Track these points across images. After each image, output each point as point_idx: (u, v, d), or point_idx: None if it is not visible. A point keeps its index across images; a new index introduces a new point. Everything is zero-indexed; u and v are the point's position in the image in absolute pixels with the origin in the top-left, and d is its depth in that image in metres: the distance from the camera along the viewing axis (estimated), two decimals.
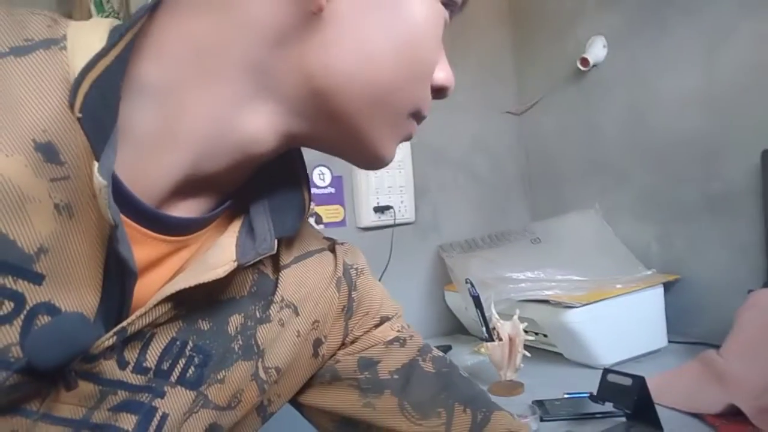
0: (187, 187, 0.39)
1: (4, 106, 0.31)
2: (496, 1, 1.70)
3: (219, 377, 0.42)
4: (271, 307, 0.45)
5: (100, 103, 0.33)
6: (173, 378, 0.40)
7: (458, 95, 1.61)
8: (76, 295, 0.34)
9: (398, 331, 0.55)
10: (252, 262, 0.40)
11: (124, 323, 0.36)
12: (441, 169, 1.58)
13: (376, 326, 0.54)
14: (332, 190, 1.46)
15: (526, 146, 1.70)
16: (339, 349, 0.53)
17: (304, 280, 0.48)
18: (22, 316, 0.32)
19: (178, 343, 0.39)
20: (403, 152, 1.52)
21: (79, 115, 0.32)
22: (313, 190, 1.43)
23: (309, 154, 0.47)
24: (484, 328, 1.09)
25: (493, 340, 1.05)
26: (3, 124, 0.31)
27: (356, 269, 0.54)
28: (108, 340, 0.35)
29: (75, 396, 0.35)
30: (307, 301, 0.48)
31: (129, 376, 0.38)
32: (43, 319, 0.32)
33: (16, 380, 0.32)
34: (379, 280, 1.49)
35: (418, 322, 1.51)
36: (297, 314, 0.47)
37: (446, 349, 1.31)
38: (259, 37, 0.37)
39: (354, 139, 0.40)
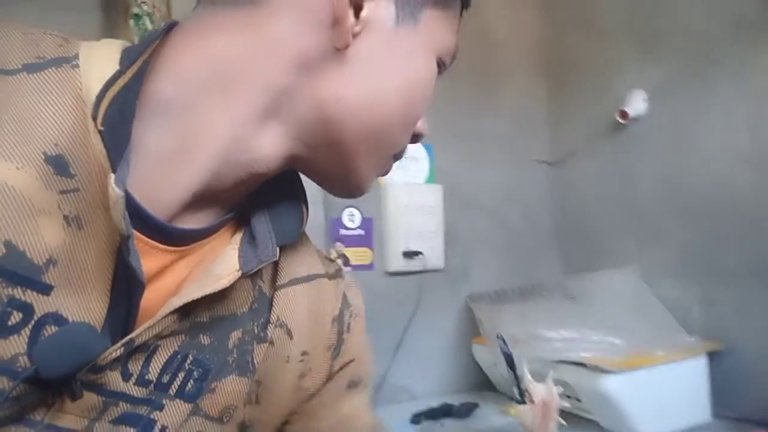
0: (194, 202, 0.40)
1: (17, 120, 0.32)
2: (531, 50, 1.70)
3: (211, 387, 0.42)
4: (269, 327, 0.45)
5: (117, 119, 0.34)
6: (172, 391, 0.40)
7: (490, 143, 1.60)
8: (84, 306, 0.34)
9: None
10: (254, 271, 0.41)
11: (133, 335, 0.36)
12: (472, 216, 1.55)
13: (349, 386, 0.54)
14: (362, 232, 1.43)
15: (559, 197, 1.67)
16: (323, 385, 0.52)
17: (301, 305, 0.48)
18: (29, 327, 0.32)
19: (179, 356, 0.40)
20: (434, 197, 1.50)
21: (101, 128, 0.33)
22: (342, 232, 1.41)
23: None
24: (515, 389, 1.03)
25: (524, 402, 0.99)
26: (15, 137, 0.32)
27: (354, 311, 0.54)
28: (116, 351, 0.35)
29: (79, 407, 0.35)
30: (301, 327, 0.48)
31: (131, 389, 0.38)
32: (51, 330, 0.33)
33: (22, 390, 0.32)
34: (406, 328, 1.52)
35: (443, 376, 1.46)
36: (291, 338, 0.47)
37: (472, 407, 1.25)
38: (285, 62, 0.39)
39: (344, 169, 0.43)
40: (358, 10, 0.39)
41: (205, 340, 0.41)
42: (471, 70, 1.59)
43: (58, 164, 0.33)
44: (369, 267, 1.43)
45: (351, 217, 1.43)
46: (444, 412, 1.24)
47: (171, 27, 0.40)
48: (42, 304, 0.33)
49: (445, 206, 1.50)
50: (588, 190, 1.57)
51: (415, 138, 0.47)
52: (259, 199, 0.46)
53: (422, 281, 1.44)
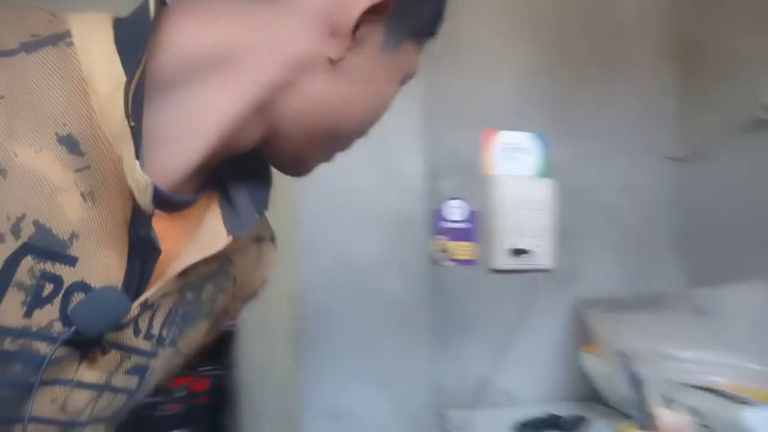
0: (194, 174, 0.43)
1: (25, 103, 0.34)
2: (659, 34, 1.54)
3: (187, 332, 0.49)
4: (229, 279, 0.52)
5: (137, 104, 0.37)
6: (166, 342, 0.46)
7: (610, 135, 1.48)
8: (105, 273, 0.38)
9: None
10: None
11: (147, 295, 0.40)
12: (585, 214, 1.45)
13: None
14: (466, 225, 1.37)
15: (684, 199, 1.52)
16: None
17: (250, 262, 0.55)
18: (60, 296, 0.36)
19: (172, 312, 0.45)
20: (545, 192, 1.41)
21: (133, 124, 0.35)
22: (447, 225, 1.35)
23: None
24: (638, 412, 0.95)
25: (648, 428, 0.91)
26: (28, 121, 0.34)
27: (267, 276, 0.60)
28: (134, 310, 0.40)
29: (103, 363, 0.40)
30: (244, 280, 0.55)
31: (141, 343, 0.43)
32: (78, 296, 0.37)
33: (60, 353, 0.36)
34: (511, 330, 1.42)
35: (548, 382, 1.38)
36: (234, 284, 0.54)
37: (580, 421, 1.17)
38: (286, 59, 0.42)
39: (298, 157, 0.48)
40: (356, 28, 0.42)
41: (189, 296, 0.47)
42: (590, 55, 1.47)
43: (69, 144, 0.35)
44: (472, 263, 1.37)
45: (455, 210, 1.37)
46: (550, 423, 1.17)
47: (163, 2, 0.41)
48: (69, 275, 0.36)
49: (556, 202, 1.41)
50: (718, 193, 1.42)
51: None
52: (230, 168, 0.49)
53: (529, 281, 1.36)
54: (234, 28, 0.41)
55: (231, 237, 0.45)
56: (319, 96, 0.43)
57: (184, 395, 2.10)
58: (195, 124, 0.41)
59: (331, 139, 0.47)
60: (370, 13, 0.41)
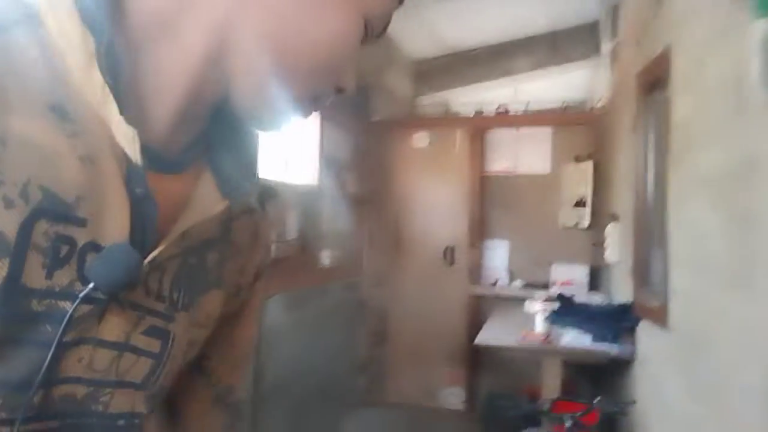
0: (171, 129, 0.46)
1: (12, 79, 0.36)
2: None
3: (199, 300, 0.51)
4: (230, 247, 0.54)
5: (112, 67, 0.40)
6: (179, 305, 0.47)
7: None
8: (112, 232, 0.40)
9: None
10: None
11: (155, 253, 0.42)
12: None
13: (253, 316, 0.63)
14: None
15: None
16: (247, 298, 0.61)
17: (247, 230, 0.57)
18: (75, 256, 0.38)
19: (179, 275, 0.47)
20: None
21: (110, 83, 0.39)
22: None
23: None
24: None
25: None
26: (18, 94, 0.36)
27: (269, 245, 0.62)
28: (145, 267, 0.42)
29: (120, 321, 0.42)
30: (244, 248, 0.57)
31: (153, 303, 0.45)
32: (92, 256, 0.39)
33: (81, 310, 0.38)
34: None
35: None
36: (240, 255, 0.56)
37: None
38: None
39: (256, 101, 0.47)
40: None
41: (192, 260, 0.49)
42: None
43: (60, 111, 0.38)
44: None
45: None
46: None
47: None
48: (81, 235, 0.38)
49: None
50: None
51: (339, 91, 0.50)
52: (220, 135, 0.51)
53: None
54: None
55: (227, 201, 0.48)
56: (256, 27, 0.44)
57: (570, 425, 2.12)
58: (163, 78, 0.44)
59: (280, 78, 0.46)
60: None
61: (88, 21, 0.39)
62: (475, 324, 3.95)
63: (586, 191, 3.88)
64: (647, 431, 2.09)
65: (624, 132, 2.96)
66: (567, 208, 4.00)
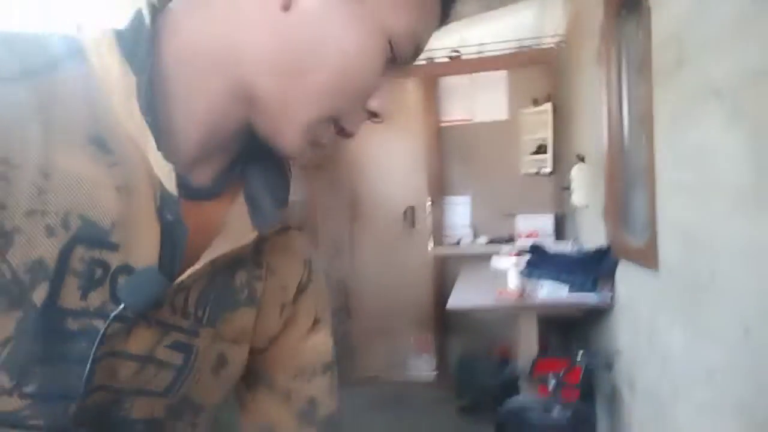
0: (197, 158, 0.49)
1: (57, 115, 0.40)
2: None
3: (227, 317, 0.53)
4: (262, 269, 0.57)
5: (147, 105, 0.44)
6: (203, 321, 0.51)
7: None
8: (143, 255, 0.43)
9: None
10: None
11: (183, 277, 0.46)
12: None
13: (313, 323, 0.63)
14: None
15: None
16: (293, 316, 0.62)
17: (282, 250, 0.59)
18: (108, 278, 0.42)
19: (205, 293, 0.50)
20: None
21: (149, 119, 0.43)
22: None
23: None
24: None
25: None
26: (62, 129, 0.41)
27: (313, 260, 0.64)
28: (171, 290, 0.45)
29: (146, 337, 0.46)
30: (281, 267, 0.59)
31: (179, 320, 0.48)
32: (123, 278, 0.42)
33: (113, 329, 0.42)
34: None
35: None
36: (275, 275, 0.58)
37: None
38: (248, 26, 0.46)
39: (273, 127, 0.48)
40: None
41: (219, 279, 0.52)
42: None
43: (99, 143, 0.42)
44: None
45: None
46: None
47: (156, 12, 0.47)
48: (114, 259, 0.42)
49: None
50: None
51: (372, 116, 0.51)
52: (251, 163, 0.54)
53: None
54: (205, 23, 0.46)
55: (256, 232, 0.51)
56: (271, 48, 0.45)
57: (554, 385, 2.06)
58: (190, 112, 0.47)
59: (297, 102, 0.46)
60: None
61: (128, 57, 0.43)
62: (442, 287, 3.77)
63: (547, 135, 3.69)
64: (638, 382, 1.92)
65: (586, 67, 2.75)
66: (527, 154, 3.80)
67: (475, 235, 3.94)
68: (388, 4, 0.45)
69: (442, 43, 4.38)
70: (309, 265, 0.63)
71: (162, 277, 0.43)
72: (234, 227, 0.50)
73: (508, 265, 2.55)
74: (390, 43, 0.47)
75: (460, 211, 3.96)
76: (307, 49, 0.45)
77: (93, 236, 0.41)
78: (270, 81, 0.46)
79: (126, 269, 0.42)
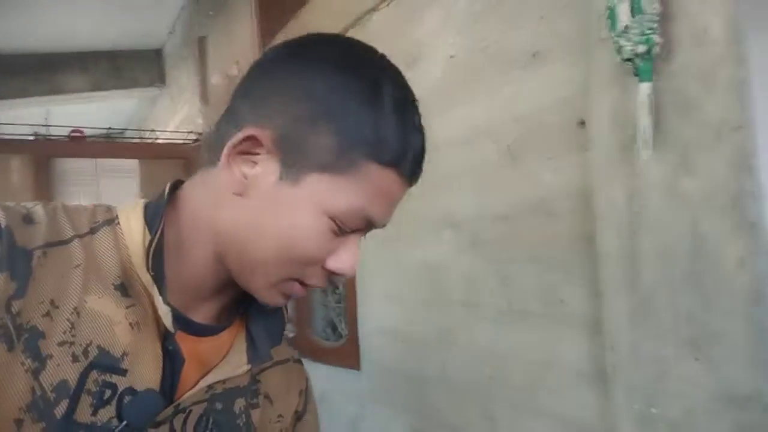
0: (197, 300, 0.58)
1: (93, 266, 0.51)
2: None
3: None
4: (259, 396, 0.63)
5: (156, 262, 0.53)
6: None
7: None
8: (146, 379, 0.51)
9: None
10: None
11: (180, 400, 0.53)
12: None
13: None
14: None
15: None
16: None
17: (279, 380, 0.66)
18: (116, 398, 0.50)
19: (204, 418, 0.56)
20: None
21: (152, 273, 0.52)
22: None
23: None
24: None
25: None
26: (95, 278, 0.51)
27: (310, 388, 0.72)
28: (169, 410, 0.53)
29: None
30: (278, 397, 0.65)
31: None
32: (128, 398, 0.50)
33: None
34: None
35: None
36: (272, 404, 0.64)
37: None
38: (220, 203, 0.54)
39: (242, 284, 0.56)
40: (234, 159, 0.53)
41: (219, 406, 0.58)
42: None
43: (122, 290, 0.52)
44: None
45: None
46: None
47: (175, 186, 0.58)
48: (121, 382, 0.50)
49: None
50: None
51: (332, 274, 0.55)
52: (254, 303, 0.60)
53: None
54: (202, 197, 0.56)
55: (249, 366, 0.59)
56: (231, 224, 0.53)
57: None
58: (188, 274, 0.56)
59: (251, 269, 0.54)
60: (250, 147, 0.52)
61: (149, 223, 0.54)
62: None
63: None
64: None
65: None
66: None
67: None
68: (325, 189, 0.51)
69: (17, 116, 3.78)
70: (305, 395, 0.70)
71: (160, 396, 0.51)
72: (232, 359, 0.58)
73: None
74: (334, 219, 0.52)
75: None
76: (256, 226, 0.52)
77: (106, 363, 0.49)
78: (232, 251, 0.54)
79: (131, 391, 0.50)
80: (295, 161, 0.51)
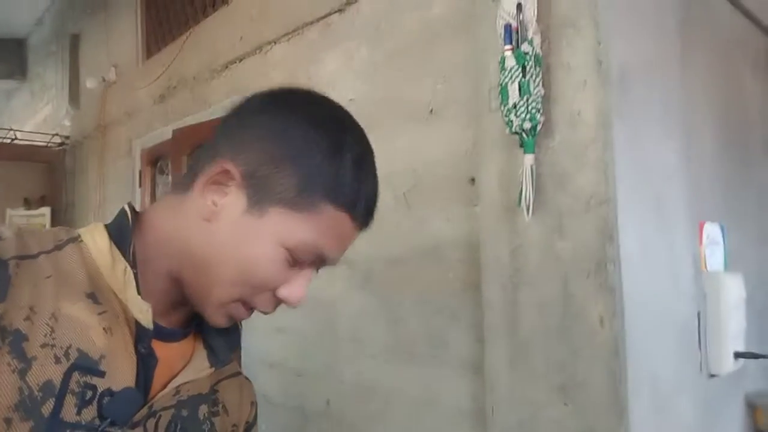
0: (164, 310, 0.61)
1: (63, 277, 0.54)
2: None
3: None
4: (218, 405, 0.67)
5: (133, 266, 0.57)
6: None
7: None
8: (123, 379, 0.54)
9: None
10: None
11: (153, 400, 0.57)
12: None
13: None
14: None
15: None
16: None
17: (232, 392, 0.70)
18: (96, 399, 0.52)
19: (173, 423, 0.59)
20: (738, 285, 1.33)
21: (135, 271, 0.56)
22: None
23: None
24: None
25: None
26: (67, 287, 0.53)
27: (257, 403, 0.76)
28: (144, 410, 0.56)
29: None
30: (232, 407, 0.69)
31: None
32: (107, 398, 0.53)
33: None
34: None
35: None
36: (227, 414, 0.68)
37: None
38: (189, 224, 0.59)
39: (194, 303, 0.61)
40: (209, 190, 0.58)
41: (184, 412, 0.61)
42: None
43: (92, 298, 0.54)
44: None
45: None
46: None
47: (134, 208, 0.62)
48: (101, 383, 0.52)
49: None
50: None
51: (282, 301, 0.60)
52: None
53: None
54: (171, 219, 0.60)
55: (213, 368, 0.64)
56: (196, 246, 0.57)
57: None
58: (151, 288, 0.59)
59: (207, 290, 0.58)
60: (222, 179, 0.56)
61: (115, 240, 0.58)
62: None
63: None
64: None
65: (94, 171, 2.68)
66: None
67: None
68: (284, 222, 0.56)
69: None
70: (255, 407, 0.75)
71: (138, 393, 0.55)
72: (195, 363, 0.63)
73: None
74: (289, 251, 0.57)
75: None
76: (220, 250, 0.57)
77: (86, 365, 0.52)
78: (192, 270, 0.58)
79: (109, 392, 0.53)
80: (260, 195, 0.56)
